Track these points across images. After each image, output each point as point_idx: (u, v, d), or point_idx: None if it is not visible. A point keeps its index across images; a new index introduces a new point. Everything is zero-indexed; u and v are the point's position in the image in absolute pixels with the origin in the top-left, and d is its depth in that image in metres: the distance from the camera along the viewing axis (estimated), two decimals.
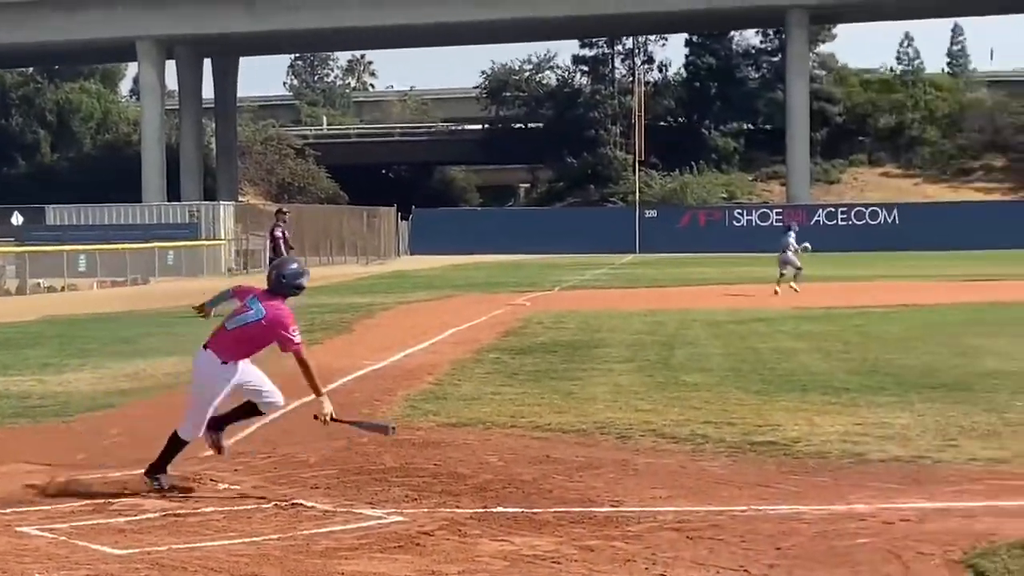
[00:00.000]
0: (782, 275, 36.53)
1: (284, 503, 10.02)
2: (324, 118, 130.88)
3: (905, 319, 27.38)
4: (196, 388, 10.77)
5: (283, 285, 10.73)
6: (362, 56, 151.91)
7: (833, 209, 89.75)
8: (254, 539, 8.93)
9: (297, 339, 10.41)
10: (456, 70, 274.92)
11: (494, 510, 9.68)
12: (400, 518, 9.50)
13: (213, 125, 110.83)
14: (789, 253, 36.96)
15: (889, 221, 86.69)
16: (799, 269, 36.73)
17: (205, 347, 10.59)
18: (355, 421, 11.35)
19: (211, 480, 10.88)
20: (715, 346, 22.11)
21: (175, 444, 10.69)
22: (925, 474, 10.84)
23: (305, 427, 11.97)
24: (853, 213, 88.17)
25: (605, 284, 45.73)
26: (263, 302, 10.55)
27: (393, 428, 11.04)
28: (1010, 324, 25.40)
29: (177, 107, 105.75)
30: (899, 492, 10.13)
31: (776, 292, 35.67)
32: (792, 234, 38.03)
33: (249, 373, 10.66)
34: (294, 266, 10.94)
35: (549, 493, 10.28)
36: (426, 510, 9.74)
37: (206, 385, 10.61)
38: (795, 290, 35.62)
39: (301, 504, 9.99)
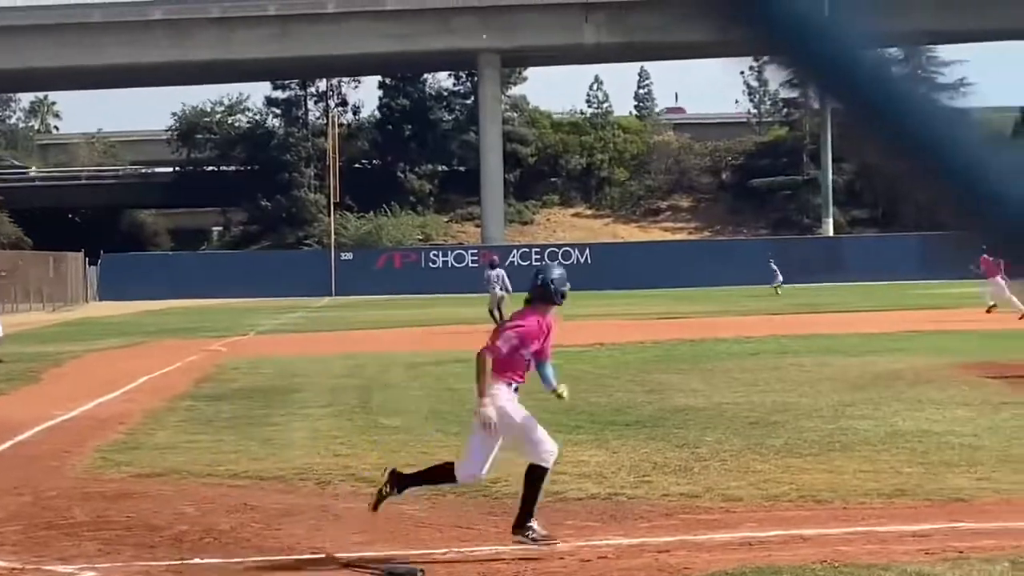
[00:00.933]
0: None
1: None
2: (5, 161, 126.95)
3: (598, 358, 27.94)
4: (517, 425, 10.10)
5: (550, 292, 10.29)
6: (45, 97, 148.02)
7: (527, 249, 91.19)
8: None
9: (495, 343, 10.01)
10: (146, 112, 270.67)
11: (191, 562, 9.51)
12: (93, 574, 9.26)
13: None
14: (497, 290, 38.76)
15: (582, 261, 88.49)
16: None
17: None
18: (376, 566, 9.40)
19: None
20: (414, 388, 22.19)
21: (441, 475, 10.16)
22: (621, 511, 11.07)
23: None
24: (547, 253, 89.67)
25: (302, 328, 45.48)
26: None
27: (421, 571, 9.09)
28: (700, 360, 26.17)
29: None
30: (597, 529, 10.31)
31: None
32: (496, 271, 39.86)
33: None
34: (560, 271, 10.42)
35: (248, 542, 10.16)
36: (120, 564, 9.52)
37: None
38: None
39: None
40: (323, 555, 9.63)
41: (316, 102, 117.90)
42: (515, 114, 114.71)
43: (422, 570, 9.03)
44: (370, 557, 9.44)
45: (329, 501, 11.89)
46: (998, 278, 37.53)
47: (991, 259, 35.99)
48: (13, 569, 9.45)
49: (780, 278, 69.35)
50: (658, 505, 11.28)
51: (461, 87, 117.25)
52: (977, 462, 12.81)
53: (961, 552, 9.08)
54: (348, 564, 9.20)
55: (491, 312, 38.87)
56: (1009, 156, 1.29)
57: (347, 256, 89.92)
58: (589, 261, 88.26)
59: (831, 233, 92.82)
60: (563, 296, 10.24)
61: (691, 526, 10.36)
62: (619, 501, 11.51)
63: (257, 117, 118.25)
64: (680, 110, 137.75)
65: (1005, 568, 8.56)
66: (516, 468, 13.25)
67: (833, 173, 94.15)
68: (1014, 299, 37.10)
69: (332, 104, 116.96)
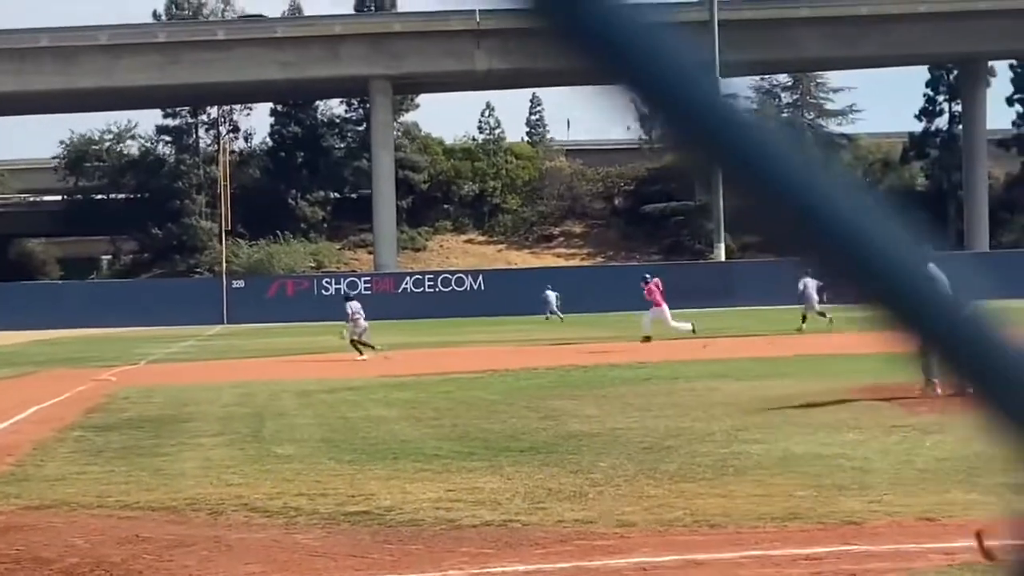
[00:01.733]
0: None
1: None
2: None
3: (492, 384, 27.94)
4: None
5: None
6: None
7: (420, 276, 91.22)
8: None
9: None
10: (33, 139, 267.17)
11: None
12: None
13: None
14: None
15: (475, 287, 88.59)
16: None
17: None
18: None
19: None
20: (306, 416, 22.05)
21: None
22: (516, 537, 11.05)
23: None
24: (440, 280, 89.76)
25: (193, 356, 45.08)
26: None
27: None
28: (593, 386, 26.24)
29: None
30: (492, 556, 10.30)
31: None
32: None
33: None
34: None
35: (139, 574, 10.04)
36: None
37: None
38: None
39: None
40: None
41: (207, 129, 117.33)
42: (407, 140, 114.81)
43: None
44: None
45: (222, 531, 11.77)
46: (663, 307, 37.48)
47: (655, 287, 36.41)
48: None
49: (551, 308, 72.08)
50: (553, 531, 11.28)
51: (353, 114, 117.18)
52: (869, 485, 12.95)
53: (854, 575, 9.16)
54: None
55: (353, 341, 39.65)
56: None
57: (239, 284, 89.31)
58: (482, 287, 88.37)
59: (723, 258, 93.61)
60: None
61: (586, 552, 10.37)
62: (514, 528, 11.49)
63: (147, 144, 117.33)
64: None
65: None
66: (410, 496, 13.23)
67: (724, 199, 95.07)
68: (676, 325, 37.22)
69: (223, 131, 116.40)
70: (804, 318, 48.93)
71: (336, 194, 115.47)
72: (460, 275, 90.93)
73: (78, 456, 17.60)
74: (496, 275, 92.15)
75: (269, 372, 33.87)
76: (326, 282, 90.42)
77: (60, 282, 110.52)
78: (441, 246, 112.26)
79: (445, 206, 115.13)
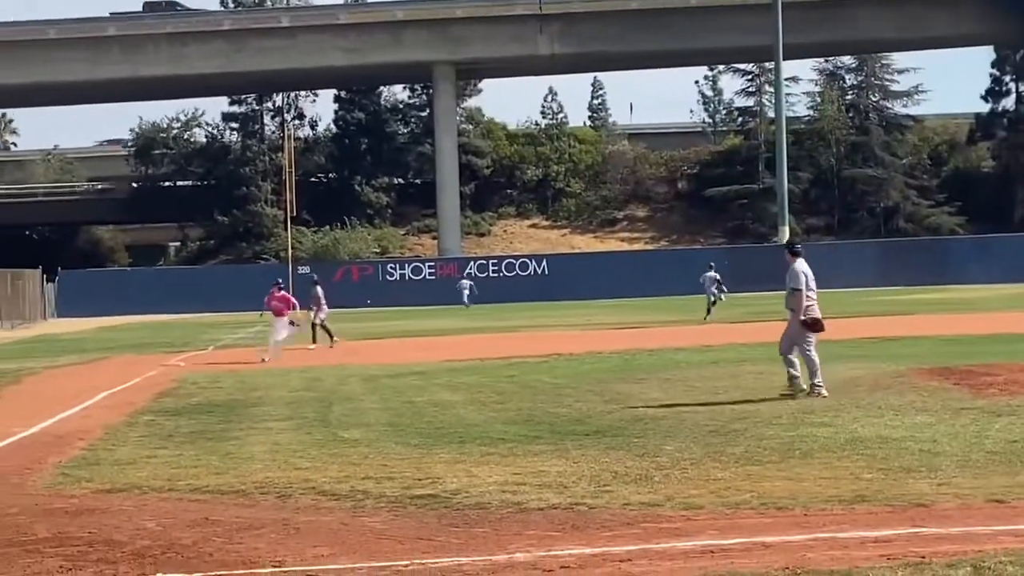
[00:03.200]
0: None
1: None
2: None
3: (557, 368, 27.92)
4: None
5: None
6: (3, 115, 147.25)
7: (484, 261, 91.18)
8: None
9: None
10: (103, 128, 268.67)
11: None
12: None
13: None
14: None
15: (538, 272, 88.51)
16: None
17: None
18: None
19: None
20: (372, 401, 22.12)
21: None
22: (582, 520, 11.03)
23: None
24: (504, 264, 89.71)
25: (260, 342, 45.26)
26: None
27: None
28: (658, 369, 26.17)
29: None
30: (558, 539, 10.28)
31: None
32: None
33: None
34: None
35: (209, 556, 10.08)
36: None
37: None
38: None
39: None
40: (285, 568, 9.57)
41: (273, 116, 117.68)
42: (470, 126, 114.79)
43: None
44: (332, 570, 9.38)
45: (290, 514, 11.82)
46: (285, 318, 35.64)
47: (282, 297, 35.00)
48: None
49: (465, 299, 73.70)
50: (619, 514, 11.26)
51: (416, 99, 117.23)
52: (937, 467, 12.85)
53: (923, 557, 9.09)
54: None
55: (314, 325, 40.16)
56: None
57: (304, 270, 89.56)
58: (546, 272, 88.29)
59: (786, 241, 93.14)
60: None
61: (653, 535, 10.34)
62: (580, 511, 11.47)
63: (214, 132, 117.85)
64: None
65: (967, 573, 8.57)
66: (477, 479, 13.24)
67: (788, 181, 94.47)
68: (281, 339, 36.70)
69: (288, 118, 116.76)
70: (709, 309, 50.03)
71: (400, 180, 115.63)
72: (524, 260, 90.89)
73: (148, 440, 17.74)
74: (560, 259, 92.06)
75: (335, 357, 33.98)
76: (391, 267, 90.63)
77: (129, 269, 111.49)
78: (505, 231, 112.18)
79: (508, 191, 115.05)
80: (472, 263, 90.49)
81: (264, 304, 37.07)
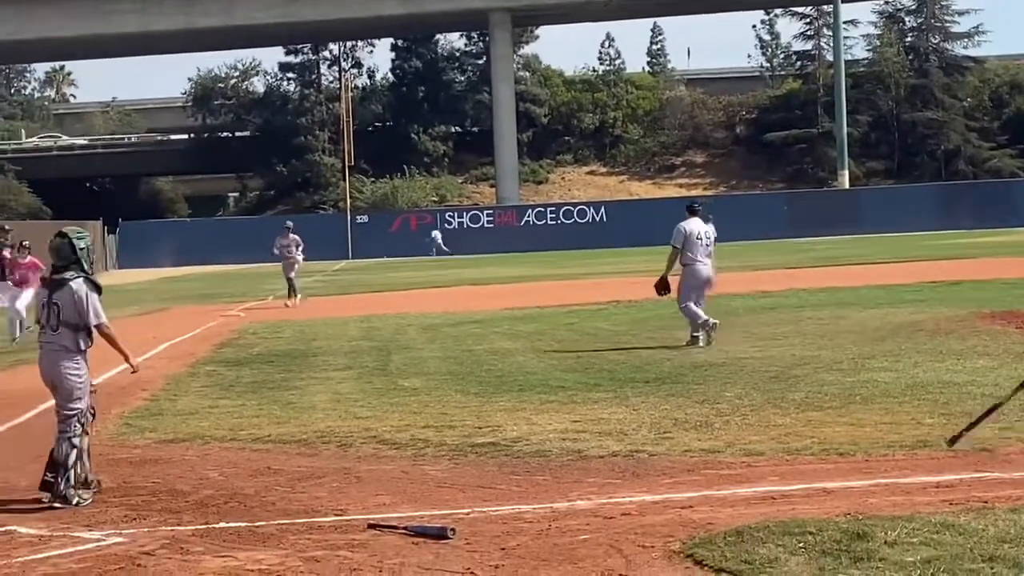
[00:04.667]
0: None
1: None
2: (23, 131, 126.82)
3: (616, 315, 27.94)
4: None
5: None
6: (61, 67, 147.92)
7: (542, 209, 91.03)
8: None
9: None
10: (161, 78, 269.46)
11: (216, 526, 9.53)
12: (120, 539, 9.27)
13: None
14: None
15: (597, 219, 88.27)
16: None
17: None
18: (404, 526, 9.21)
19: None
20: (432, 349, 22.20)
21: None
22: (643, 468, 11.05)
23: (12, 449, 11.56)
24: (562, 212, 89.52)
25: (319, 291, 45.47)
26: None
27: (452, 530, 8.90)
28: (717, 316, 26.09)
29: None
30: (618, 487, 10.30)
31: None
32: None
33: None
34: None
35: (272, 505, 10.17)
36: (146, 529, 9.53)
37: None
38: None
39: (15, 531, 9.66)
40: (346, 517, 9.64)
41: (329, 66, 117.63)
42: (527, 73, 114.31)
43: (453, 528, 8.92)
44: (393, 518, 9.44)
45: (351, 463, 11.90)
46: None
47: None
48: (41, 536, 9.47)
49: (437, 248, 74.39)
50: (680, 461, 11.27)
51: (473, 47, 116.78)
52: (1000, 412, 12.77)
53: (986, 502, 9.05)
54: (373, 525, 9.18)
55: (288, 279, 37.62)
56: None
57: (363, 219, 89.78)
58: (604, 219, 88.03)
59: (847, 185, 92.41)
60: None
61: (713, 481, 10.35)
62: (640, 458, 11.49)
63: (271, 82, 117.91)
64: None
65: None
66: (537, 427, 13.27)
67: (848, 125, 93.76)
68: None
69: (345, 67, 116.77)
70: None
71: (457, 128, 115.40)
72: (582, 207, 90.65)
73: (210, 391, 17.88)
74: (618, 206, 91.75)
75: (394, 306, 34.08)
76: (449, 216, 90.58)
77: (188, 220, 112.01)
78: (563, 178, 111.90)
79: (566, 138, 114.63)
80: (530, 211, 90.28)
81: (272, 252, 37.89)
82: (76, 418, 10.91)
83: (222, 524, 9.58)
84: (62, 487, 10.59)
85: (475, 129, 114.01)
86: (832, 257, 52.37)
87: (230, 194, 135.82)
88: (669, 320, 25.46)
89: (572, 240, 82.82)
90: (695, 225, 21.54)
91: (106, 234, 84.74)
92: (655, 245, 74.85)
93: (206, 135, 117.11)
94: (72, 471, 10.67)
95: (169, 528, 9.54)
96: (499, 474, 11.05)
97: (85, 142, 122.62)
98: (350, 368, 19.89)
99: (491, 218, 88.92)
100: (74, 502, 10.53)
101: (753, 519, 8.79)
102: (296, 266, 37.98)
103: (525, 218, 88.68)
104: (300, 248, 38.43)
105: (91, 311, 10.94)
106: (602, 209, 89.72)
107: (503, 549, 8.47)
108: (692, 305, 21.06)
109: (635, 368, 18.02)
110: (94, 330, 11.02)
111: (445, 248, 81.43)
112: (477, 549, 8.49)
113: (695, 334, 20.92)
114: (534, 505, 9.73)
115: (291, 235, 38.58)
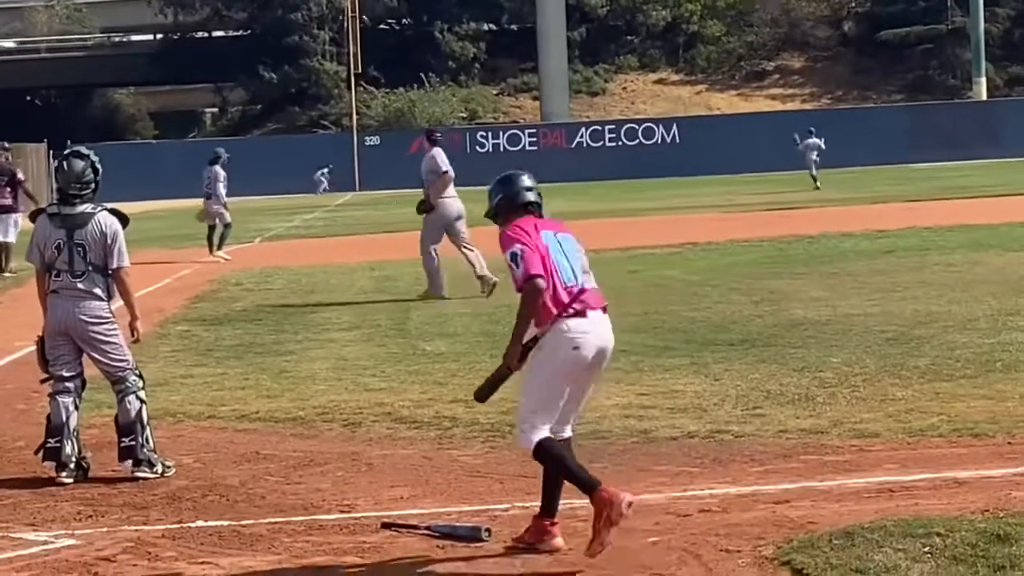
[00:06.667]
0: None
1: None
2: None
3: (691, 261, 27.91)
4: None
5: None
6: None
7: (599, 127, 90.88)
8: None
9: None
10: None
11: (192, 525, 9.59)
12: (72, 541, 9.34)
13: None
14: None
15: (667, 140, 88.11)
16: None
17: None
18: (427, 525, 9.21)
19: None
20: (460, 304, 22.22)
21: None
22: (726, 453, 11.06)
23: None
24: (623, 131, 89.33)
25: (320, 232, 45.60)
26: None
27: (487, 531, 9.00)
28: (819, 262, 26.06)
29: None
30: (696, 476, 10.31)
31: None
32: None
33: None
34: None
35: (261, 500, 10.22)
36: (105, 529, 9.60)
37: None
38: None
39: None
40: (355, 514, 9.67)
41: None
42: None
43: (488, 529, 8.98)
44: (414, 515, 9.46)
45: (361, 447, 11.94)
46: None
47: None
48: None
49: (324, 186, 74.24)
50: (773, 444, 11.28)
51: None
52: None
53: None
54: (388, 525, 9.20)
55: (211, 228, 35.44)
56: None
57: (373, 141, 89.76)
58: (678, 140, 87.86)
59: (984, 96, 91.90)
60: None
61: (816, 470, 10.34)
62: (724, 440, 11.50)
63: None
64: None
65: None
66: (594, 402, 13.27)
67: (985, 20, 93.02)
68: None
69: None
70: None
71: (492, 26, 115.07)
72: (649, 124, 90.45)
73: (183, 356, 17.95)
74: (694, 124, 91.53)
75: (412, 250, 34.05)
76: (481, 136, 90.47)
77: (154, 142, 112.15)
78: (624, 88, 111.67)
79: (629, 37, 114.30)
80: (584, 129, 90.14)
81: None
82: (131, 370, 11.39)
83: (199, 523, 9.63)
84: (144, 450, 11.06)
85: (514, 27, 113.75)
86: (965, 187, 52.12)
87: (207, 110, 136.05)
88: (759, 267, 25.44)
89: (636, 166, 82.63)
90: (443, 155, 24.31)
91: (51, 159, 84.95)
92: (741, 173, 74.88)
93: (177, 35, 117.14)
94: (149, 428, 11.17)
95: (133, 528, 9.61)
96: None
97: (22, 45, 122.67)
98: (358, 328, 19.93)
99: (534, 139, 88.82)
100: (158, 469, 10.98)
101: (866, 516, 8.79)
102: (216, 211, 35.43)
103: (577, 139, 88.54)
104: (219, 184, 35.80)
105: (118, 251, 11.21)
106: (674, 127, 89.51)
107: (552, 554, 8.49)
108: (434, 255, 23.56)
109: (716, 327, 18.01)
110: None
111: (326, 185, 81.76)
112: (519, 555, 8.51)
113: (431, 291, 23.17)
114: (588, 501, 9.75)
115: (213, 167, 36.52)
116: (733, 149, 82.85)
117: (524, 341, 8.55)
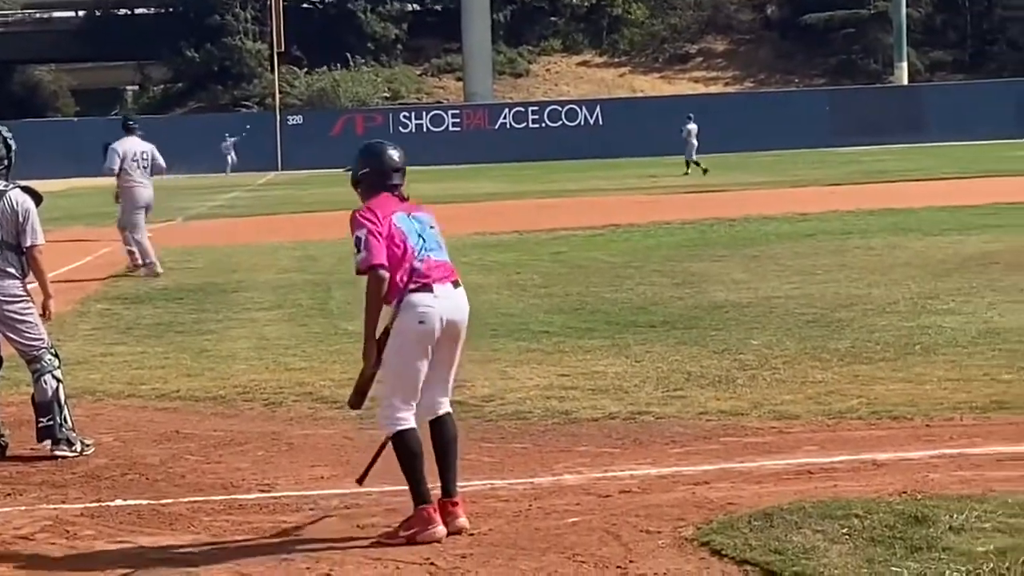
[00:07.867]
0: None
1: None
2: None
3: (614, 243, 27.94)
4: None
5: None
6: None
7: (522, 108, 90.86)
8: None
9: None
10: None
11: (111, 504, 9.54)
12: None
13: None
14: None
15: (591, 122, 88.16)
16: None
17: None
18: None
19: None
20: None
21: None
22: (647, 434, 11.07)
23: None
24: (547, 113, 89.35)
25: (241, 211, 45.44)
26: None
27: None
28: (740, 245, 26.14)
29: None
30: (616, 457, 10.32)
31: None
32: None
33: None
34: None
35: (181, 479, 10.18)
36: (23, 508, 9.56)
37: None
38: None
39: None
40: (275, 493, 9.65)
41: None
42: None
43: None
44: (334, 495, 9.45)
45: (281, 427, 11.91)
46: None
47: None
48: None
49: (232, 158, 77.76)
50: (693, 426, 11.30)
51: None
52: None
53: None
54: (362, 479, 9.10)
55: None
56: None
57: (296, 120, 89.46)
58: (600, 122, 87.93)
59: (905, 81, 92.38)
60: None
61: (735, 451, 10.38)
62: (644, 422, 11.52)
63: None
64: None
65: None
66: (514, 383, 13.28)
67: (907, 5, 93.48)
68: None
69: None
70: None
71: (415, 5, 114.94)
72: (572, 106, 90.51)
73: (102, 334, 17.86)
74: (617, 106, 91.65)
75: (335, 230, 33.99)
76: (404, 116, 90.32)
77: (75, 119, 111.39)
78: (548, 70, 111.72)
79: (553, 19, 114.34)
80: (507, 110, 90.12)
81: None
82: (46, 349, 11.28)
83: (118, 501, 9.58)
84: (63, 429, 11.01)
85: (437, 7, 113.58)
86: (885, 171, 52.45)
87: (128, 87, 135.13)
88: (681, 249, 25.51)
89: (559, 148, 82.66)
90: (132, 144, 24.57)
91: None
92: (663, 155, 74.98)
93: (98, 12, 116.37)
94: (67, 408, 11.09)
95: (52, 506, 9.57)
96: (467, 441, 11.01)
97: None
98: (280, 307, 19.90)
99: (458, 120, 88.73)
100: (77, 448, 10.95)
101: (785, 498, 8.82)
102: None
103: (500, 120, 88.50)
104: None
105: (31, 229, 11.11)
106: (597, 109, 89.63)
107: (471, 535, 8.49)
108: (141, 234, 24.64)
109: (637, 309, 18.04)
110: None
111: (233, 155, 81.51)
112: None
113: (142, 263, 24.49)
114: (511, 480, 9.76)
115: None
116: (656, 132, 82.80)
117: (377, 336, 8.50)
